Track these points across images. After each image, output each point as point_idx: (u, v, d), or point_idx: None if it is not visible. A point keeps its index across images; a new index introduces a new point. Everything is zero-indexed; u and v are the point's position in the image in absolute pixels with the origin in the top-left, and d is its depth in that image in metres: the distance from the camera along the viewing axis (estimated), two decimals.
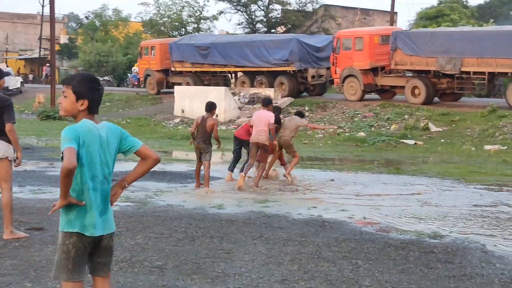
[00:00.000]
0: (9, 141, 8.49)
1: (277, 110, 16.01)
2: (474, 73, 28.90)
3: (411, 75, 31.91)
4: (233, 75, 40.59)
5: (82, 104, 4.58)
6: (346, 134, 28.08)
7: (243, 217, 10.88)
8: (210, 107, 14.14)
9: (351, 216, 11.35)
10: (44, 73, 66.53)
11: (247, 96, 34.81)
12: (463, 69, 28.85)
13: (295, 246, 8.79)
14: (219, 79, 40.16)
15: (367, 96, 33.33)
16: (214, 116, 14.18)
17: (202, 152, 14.12)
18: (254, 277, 7.28)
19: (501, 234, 10.14)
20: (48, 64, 59.45)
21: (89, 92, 4.60)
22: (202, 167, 14.28)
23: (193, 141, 14.31)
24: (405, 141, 26.05)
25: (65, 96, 4.60)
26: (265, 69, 36.28)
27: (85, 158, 4.49)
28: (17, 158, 8.62)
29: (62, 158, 4.34)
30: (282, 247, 8.71)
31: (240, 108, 33.37)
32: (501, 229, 10.56)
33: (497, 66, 28.00)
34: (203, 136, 14.05)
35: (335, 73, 33.21)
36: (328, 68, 34.61)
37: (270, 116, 14.70)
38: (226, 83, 39.65)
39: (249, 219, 10.66)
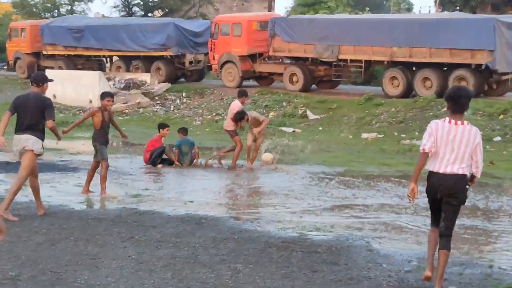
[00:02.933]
0: (40, 137, 9.60)
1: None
2: (351, 61, 28.97)
3: (289, 62, 31.64)
4: (108, 59, 39.22)
5: None
6: (225, 121, 27.43)
7: (113, 214, 10.00)
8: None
9: (229, 212, 10.72)
10: None
11: (123, 81, 33.57)
12: (341, 56, 28.83)
13: (169, 249, 8.03)
14: (94, 63, 38.66)
15: (245, 82, 32.80)
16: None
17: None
18: None
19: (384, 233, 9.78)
20: None
21: None
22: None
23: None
24: (283, 128, 25.70)
25: None
26: (142, 54, 35.15)
27: None
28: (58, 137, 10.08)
29: None
30: (155, 251, 7.94)
31: (115, 94, 32.10)
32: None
33: (373, 54, 28.15)
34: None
35: (213, 59, 32.53)
36: (206, 54, 33.94)
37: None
38: (101, 68, 38.25)
39: (120, 217, 9.79)
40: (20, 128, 9.64)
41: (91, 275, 6.86)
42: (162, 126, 16.62)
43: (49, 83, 10.03)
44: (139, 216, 9.93)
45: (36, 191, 9.98)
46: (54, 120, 9.64)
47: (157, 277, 6.89)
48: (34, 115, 9.56)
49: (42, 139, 9.70)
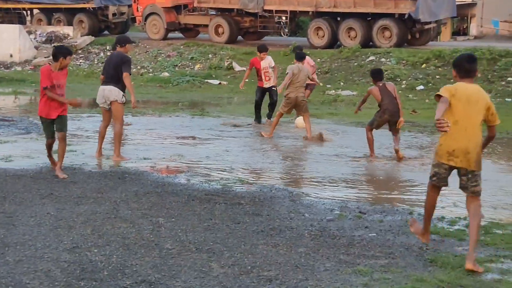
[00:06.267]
0: (121, 89, 10.76)
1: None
2: (277, 11, 28.85)
3: (214, 13, 31.29)
4: (28, 12, 38.00)
5: None
6: (150, 74, 27.09)
7: (33, 171, 9.75)
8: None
9: (153, 165, 10.59)
10: None
11: (44, 34, 32.62)
12: (266, 7, 28.70)
13: (90, 205, 7.88)
14: (13, 16, 37.36)
15: (170, 34, 32.34)
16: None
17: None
18: (40, 246, 6.32)
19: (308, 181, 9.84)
20: None
21: None
22: None
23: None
24: (209, 81, 25.55)
25: None
26: (63, 6, 34.16)
27: None
28: (132, 101, 10.88)
29: None
30: (75, 207, 7.78)
31: (36, 48, 31.22)
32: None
33: (298, 5, 28.09)
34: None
35: (137, 10, 31.89)
36: (130, 6, 33.26)
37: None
38: (21, 21, 37.07)
39: (40, 173, 9.56)
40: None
41: (7, 233, 6.67)
42: (263, 48, 16.02)
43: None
44: None
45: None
46: (130, 74, 10.72)
47: (76, 233, 6.75)
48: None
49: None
